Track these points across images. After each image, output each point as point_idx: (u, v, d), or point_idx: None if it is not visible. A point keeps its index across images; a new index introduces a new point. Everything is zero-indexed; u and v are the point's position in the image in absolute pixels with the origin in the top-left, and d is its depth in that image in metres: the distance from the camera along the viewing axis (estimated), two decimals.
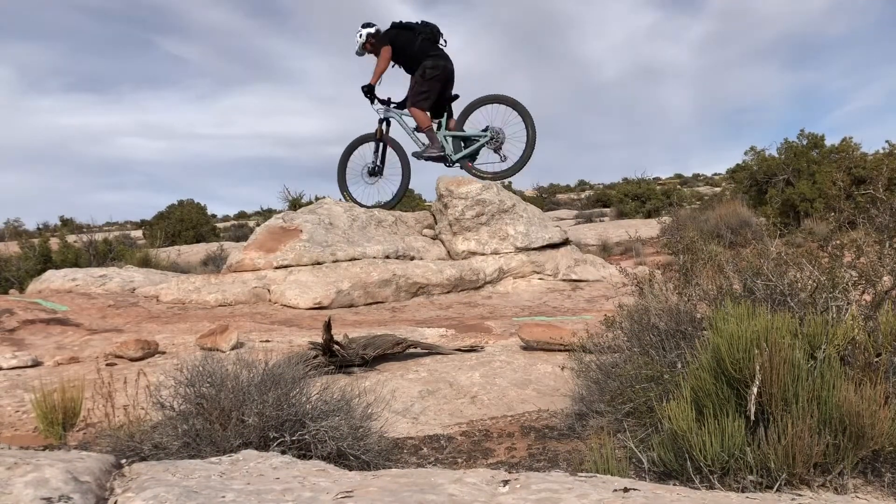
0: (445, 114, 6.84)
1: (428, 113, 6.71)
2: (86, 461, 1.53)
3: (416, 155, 6.84)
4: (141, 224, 20.61)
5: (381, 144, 6.97)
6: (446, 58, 6.71)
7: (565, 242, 6.94)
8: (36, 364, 3.69)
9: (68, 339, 4.24)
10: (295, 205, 10.72)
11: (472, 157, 6.86)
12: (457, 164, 6.84)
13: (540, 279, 6.47)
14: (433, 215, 7.08)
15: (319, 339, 3.36)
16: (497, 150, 6.82)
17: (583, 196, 28.59)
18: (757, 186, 12.44)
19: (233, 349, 3.72)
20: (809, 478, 1.86)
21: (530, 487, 1.52)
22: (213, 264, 9.53)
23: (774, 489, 1.84)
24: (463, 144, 6.84)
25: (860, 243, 2.62)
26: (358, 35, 6.80)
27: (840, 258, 2.52)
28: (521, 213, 6.82)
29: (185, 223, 16.25)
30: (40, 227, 16.41)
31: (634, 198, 19.31)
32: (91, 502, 1.38)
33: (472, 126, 6.85)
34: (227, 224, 24.82)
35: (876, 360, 2.10)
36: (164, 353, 3.92)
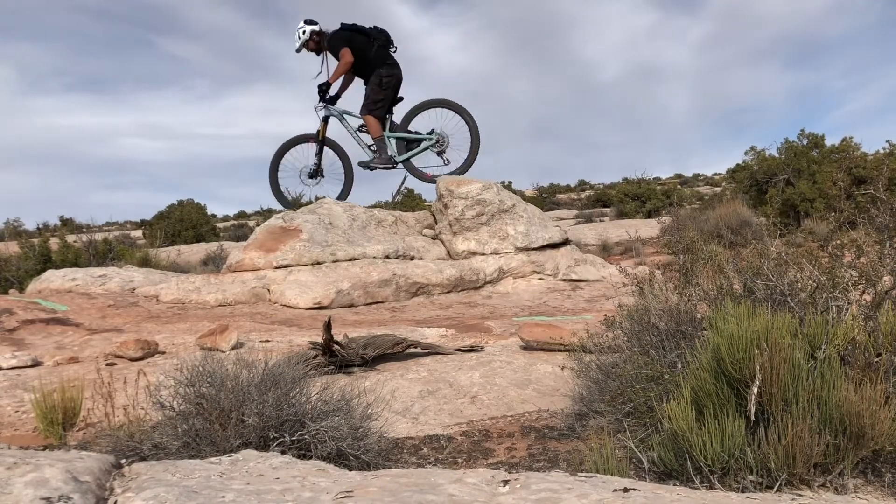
0: (390, 116, 6.85)
1: (380, 122, 6.73)
2: (86, 461, 1.53)
3: (364, 165, 6.81)
4: (141, 224, 20.61)
5: (322, 146, 6.85)
6: (398, 66, 6.73)
7: (565, 242, 6.94)
8: (36, 364, 3.69)
9: (68, 339, 4.23)
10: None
11: (417, 157, 6.91)
12: (400, 166, 6.84)
13: (540, 279, 6.47)
14: (433, 215, 7.08)
15: (319, 339, 3.36)
16: (440, 153, 6.88)
17: (583, 196, 28.59)
18: (757, 186, 12.44)
19: (233, 349, 3.72)
20: (810, 478, 1.86)
21: (530, 487, 1.52)
22: (213, 264, 9.52)
23: (775, 489, 1.84)
24: (407, 145, 6.86)
25: (860, 243, 2.62)
26: (301, 31, 6.67)
27: (840, 258, 2.52)
28: (521, 213, 6.82)
29: (185, 223, 16.25)
30: (40, 227, 16.39)
31: (634, 198, 19.31)
32: (91, 502, 1.38)
33: (415, 128, 6.88)
34: (227, 224, 24.83)
35: (876, 360, 2.10)
36: (163, 353, 3.92)
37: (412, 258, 6.32)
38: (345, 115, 6.82)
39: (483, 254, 6.51)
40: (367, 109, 6.68)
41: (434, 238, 6.82)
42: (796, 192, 11.33)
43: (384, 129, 6.76)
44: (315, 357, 3.22)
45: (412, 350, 3.67)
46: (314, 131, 6.87)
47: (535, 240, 6.64)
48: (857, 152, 11.44)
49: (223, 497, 1.42)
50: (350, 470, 1.88)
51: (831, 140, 12.47)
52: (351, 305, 5.55)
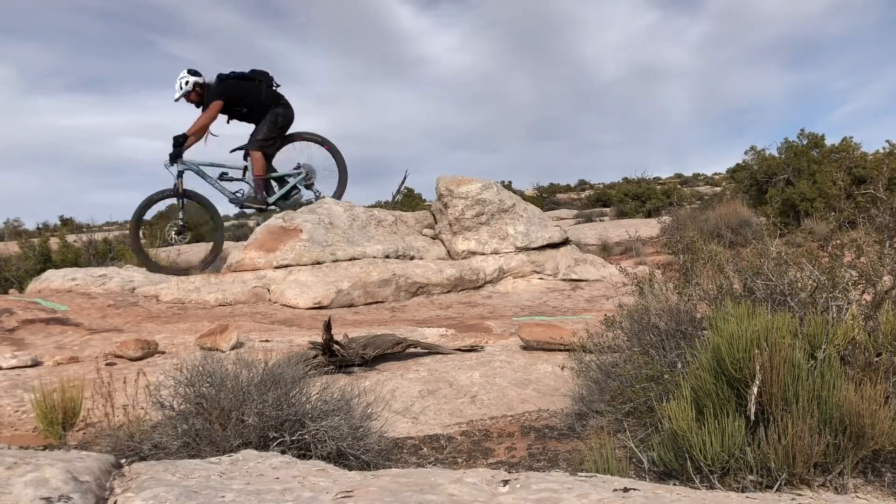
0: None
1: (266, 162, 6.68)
2: (85, 461, 1.53)
3: (236, 201, 6.75)
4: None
5: (183, 199, 6.70)
6: (291, 107, 6.75)
7: (565, 242, 6.94)
8: (36, 364, 3.69)
9: (68, 339, 4.23)
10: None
11: (287, 196, 6.89)
12: (273, 206, 6.81)
13: (540, 279, 6.47)
14: (433, 215, 7.08)
15: (319, 339, 3.36)
16: (309, 186, 6.92)
17: (583, 196, 28.57)
18: (757, 186, 12.43)
19: (233, 349, 3.72)
20: (809, 478, 1.86)
21: (530, 487, 1.52)
22: (213, 264, 9.51)
23: (774, 489, 1.84)
24: (276, 185, 6.85)
25: (860, 243, 2.62)
26: (183, 81, 6.54)
27: (840, 258, 2.52)
28: (521, 213, 6.82)
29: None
30: (40, 226, 16.40)
31: (634, 197, 19.30)
32: (91, 502, 1.38)
33: (277, 162, 6.88)
34: (228, 224, 24.80)
35: (876, 359, 2.10)
36: (163, 352, 3.92)
37: (412, 258, 6.32)
38: (202, 168, 6.66)
39: (483, 253, 6.51)
40: (257, 145, 6.60)
41: (434, 238, 6.82)
42: (796, 191, 11.33)
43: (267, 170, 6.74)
44: (315, 357, 3.22)
45: (412, 350, 3.67)
46: (170, 187, 6.63)
47: (535, 239, 6.64)
48: (857, 152, 11.44)
49: (223, 497, 1.42)
50: (350, 470, 1.88)
51: (831, 140, 12.47)
52: (351, 305, 5.55)
